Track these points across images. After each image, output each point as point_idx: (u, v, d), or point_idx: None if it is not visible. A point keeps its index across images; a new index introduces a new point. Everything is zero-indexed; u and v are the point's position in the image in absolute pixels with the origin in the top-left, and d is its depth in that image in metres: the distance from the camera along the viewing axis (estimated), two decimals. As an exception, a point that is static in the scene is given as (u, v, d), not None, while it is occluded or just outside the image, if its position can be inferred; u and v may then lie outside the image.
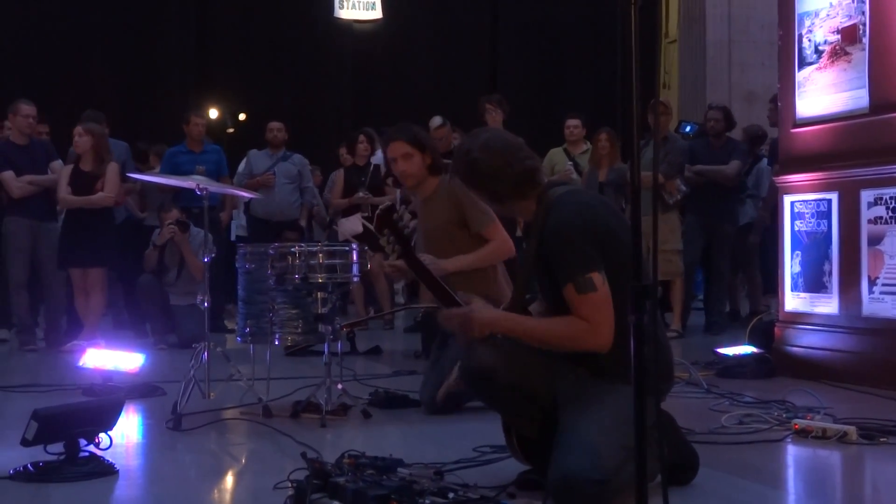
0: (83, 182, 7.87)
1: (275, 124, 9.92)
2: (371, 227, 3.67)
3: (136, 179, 8.84)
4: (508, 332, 3.22)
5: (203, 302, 5.03)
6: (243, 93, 15.08)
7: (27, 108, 8.04)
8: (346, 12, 14.48)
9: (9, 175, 7.94)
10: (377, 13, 14.52)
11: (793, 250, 6.38)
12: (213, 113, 15.61)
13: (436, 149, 5.06)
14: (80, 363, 5.69)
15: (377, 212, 3.68)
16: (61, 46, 13.07)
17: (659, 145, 8.20)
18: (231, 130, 16.06)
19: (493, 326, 3.22)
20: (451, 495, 2.87)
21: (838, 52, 6.08)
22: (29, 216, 8.00)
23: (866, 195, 5.84)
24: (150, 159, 10.18)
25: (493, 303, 3.56)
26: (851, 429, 4.15)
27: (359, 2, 14.45)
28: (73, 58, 13.15)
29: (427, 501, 2.80)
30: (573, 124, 9.19)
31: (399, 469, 3.11)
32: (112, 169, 7.98)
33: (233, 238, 10.98)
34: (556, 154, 9.22)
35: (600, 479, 2.89)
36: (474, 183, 3.36)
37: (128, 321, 9.13)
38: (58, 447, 3.62)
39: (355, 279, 4.90)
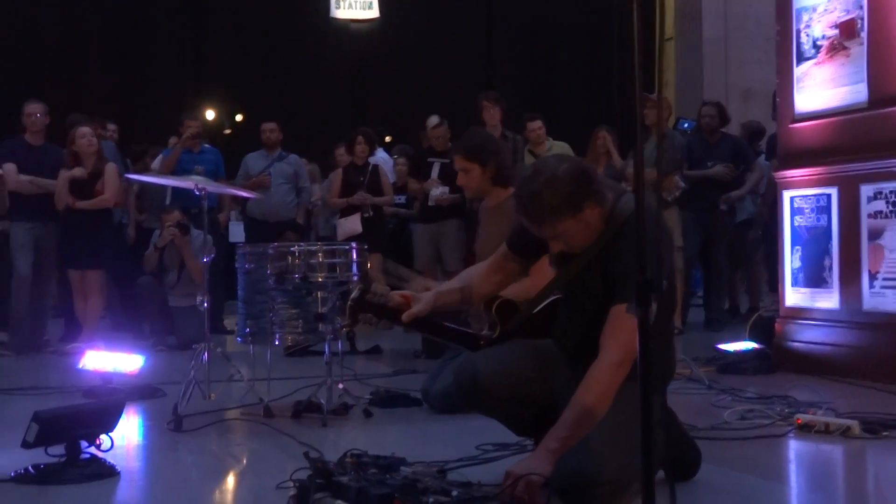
0: (82, 184, 7.86)
1: (268, 125, 9.90)
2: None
3: (135, 180, 8.84)
4: (568, 445, 2.96)
5: (203, 303, 5.02)
6: (240, 94, 15.07)
7: (29, 107, 8.07)
8: (342, 12, 14.49)
9: (10, 167, 7.95)
10: (374, 13, 14.52)
11: (793, 245, 6.38)
12: (210, 114, 15.60)
13: (501, 162, 4.92)
14: (80, 365, 5.67)
15: (349, 304, 3.63)
16: (57, 49, 13.06)
17: (662, 141, 8.19)
18: (228, 132, 16.05)
19: (549, 466, 2.94)
20: (454, 493, 2.85)
21: (836, 47, 6.08)
22: (30, 219, 7.98)
23: (866, 189, 5.83)
24: (147, 161, 10.15)
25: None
26: (854, 423, 4.14)
27: (355, 1, 14.45)
28: (68, 60, 13.15)
29: (430, 500, 2.78)
30: (537, 126, 9.13)
31: (402, 468, 3.09)
32: (111, 170, 7.98)
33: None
34: None
35: (607, 479, 2.88)
36: (526, 206, 3.17)
37: (126, 323, 9.12)
38: (59, 449, 3.61)
39: (355, 278, 4.88)
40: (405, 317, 3.45)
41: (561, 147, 9.08)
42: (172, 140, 9.40)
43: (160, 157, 9.47)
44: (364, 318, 3.73)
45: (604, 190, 3.17)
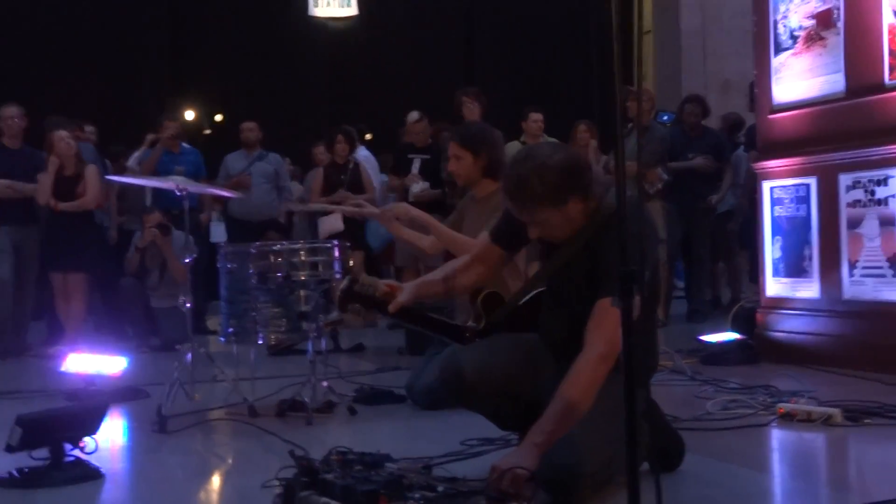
0: (64, 186, 7.84)
1: (247, 124, 9.89)
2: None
3: (116, 182, 8.80)
4: (553, 439, 2.96)
5: (185, 303, 5.01)
6: (219, 94, 15.02)
7: (7, 110, 8.02)
8: (320, 10, 14.43)
9: None
10: (352, 10, 14.48)
11: (773, 236, 6.41)
12: (189, 114, 15.55)
13: (494, 155, 4.93)
14: (63, 368, 5.64)
15: (339, 294, 3.65)
16: (34, 49, 12.98)
17: (643, 133, 8.22)
18: (208, 132, 15.99)
19: (535, 459, 2.94)
20: (440, 489, 2.86)
21: (813, 37, 6.11)
22: (9, 223, 7.94)
23: (844, 179, 5.87)
24: (122, 162, 10.10)
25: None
26: (836, 411, 4.17)
27: (333, -1, 14.42)
28: (46, 60, 13.06)
29: (416, 495, 2.78)
30: (539, 118, 9.16)
31: (387, 464, 3.09)
32: (91, 171, 7.96)
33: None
34: (513, 148, 9.15)
35: (591, 471, 2.90)
36: (512, 188, 3.18)
37: (108, 325, 9.09)
38: (43, 452, 3.59)
39: (338, 276, 4.88)
40: (391, 307, 3.47)
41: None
42: (149, 137, 9.37)
43: (135, 155, 9.43)
44: (353, 308, 3.74)
45: (593, 186, 3.18)
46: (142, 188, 9.01)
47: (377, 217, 5.30)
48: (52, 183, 7.81)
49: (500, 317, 3.62)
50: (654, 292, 3.26)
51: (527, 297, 3.57)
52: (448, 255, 5.03)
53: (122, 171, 9.45)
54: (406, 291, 3.49)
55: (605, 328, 3.00)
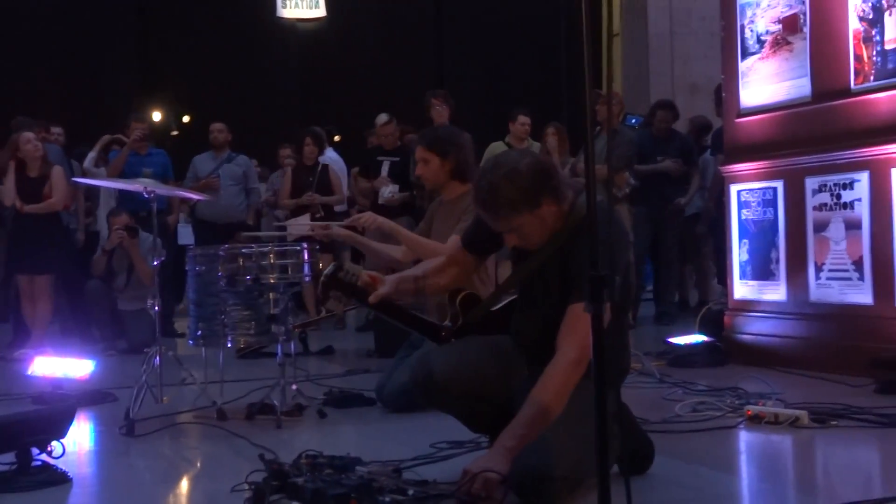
0: (30, 188, 7.78)
1: (216, 125, 9.84)
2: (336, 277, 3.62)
3: (83, 184, 8.75)
4: (524, 442, 2.95)
5: (154, 306, 4.98)
6: (187, 95, 14.97)
7: None
8: (289, 11, 14.45)
9: None
10: (321, 11, 14.49)
11: (740, 239, 6.46)
12: (157, 115, 15.47)
13: (462, 157, 4.93)
14: (29, 371, 5.60)
15: (322, 280, 3.66)
16: (2, 50, 12.88)
17: (613, 137, 8.25)
18: (175, 133, 15.91)
19: (506, 463, 2.93)
20: (410, 492, 2.87)
21: (780, 42, 6.16)
22: None
23: (811, 182, 5.92)
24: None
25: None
26: (803, 413, 4.20)
27: (302, 0, 14.39)
28: (12, 61, 12.97)
29: (387, 499, 2.79)
30: (527, 121, 9.19)
31: (357, 467, 3.10)
32: (58, 173, 7.90)
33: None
34: (497, 148, 9.17)
35: (561, 475, 2.90)
36: (483, 197, 3.19)
37: (75, 328, 9.02)
38: (9, 457, 3.57)
39: (307, 279, 4.88)
40: (372, 298, 3.49)
41: (538, 148, 9.10)
42: (105, 137, 9.29)
43: (90, 155, 9.34)
44: (335, 295, 3.77)
45: (563, 188, 3.20)
46: (98, 190, 8.93)
47: (346, 238, 5.30)
48: (14, 184, 7.75)
49: (476, 318, 3.63)
50: (625, 295, 3.28)
51: (505, 301, 3.59)
52: (418, 261, 5.03)
53: (85, 173, 9.39)
54: (387, 284, 3.53)
55: (577, 333, 3.01)
